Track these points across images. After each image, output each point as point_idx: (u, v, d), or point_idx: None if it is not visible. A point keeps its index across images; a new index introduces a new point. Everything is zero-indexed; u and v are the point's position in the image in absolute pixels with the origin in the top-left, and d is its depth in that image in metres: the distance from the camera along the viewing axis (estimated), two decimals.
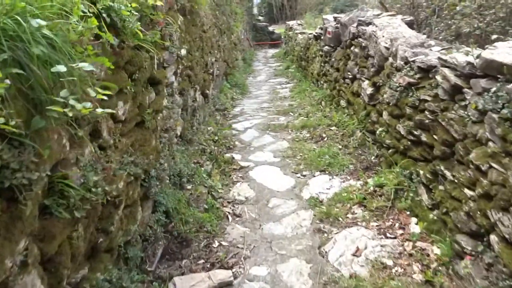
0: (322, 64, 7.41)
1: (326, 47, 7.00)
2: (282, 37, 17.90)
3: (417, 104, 3.41)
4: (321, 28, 7.86)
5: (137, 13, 2.59)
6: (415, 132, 3.40)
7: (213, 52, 6.75)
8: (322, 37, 7.55)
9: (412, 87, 3.52)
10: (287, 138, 5.39)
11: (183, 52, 4.13)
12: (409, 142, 3.53)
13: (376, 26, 4.72)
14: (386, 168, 3.93)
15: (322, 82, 7.50)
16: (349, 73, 5.56)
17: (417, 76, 3.50)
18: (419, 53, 3.71)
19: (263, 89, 9.56)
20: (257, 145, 5.21)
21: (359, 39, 5.20)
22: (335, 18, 7.09)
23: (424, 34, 4.89)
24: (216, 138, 5.01)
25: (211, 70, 6.41)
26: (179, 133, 4.01)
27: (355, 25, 5.53)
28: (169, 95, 3.63)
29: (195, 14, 4.96)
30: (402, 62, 3.77)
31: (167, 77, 3.44)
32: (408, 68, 3.65)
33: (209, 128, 5.26)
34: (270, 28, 22.06)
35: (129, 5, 2.31)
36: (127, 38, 2.34)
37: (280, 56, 15.60)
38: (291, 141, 5.22)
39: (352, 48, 5.52)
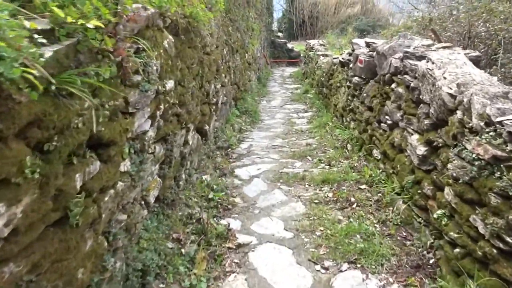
0: (350, 97, 6.18)
1: (356, 78, 5.79)
2: (302, 55, 16.79)
3: (510, 193, 2.20)
4: (350, 54, 6.67)
5: (56, 38, 1.46)
6: (508, 239, 2.18)
7: (219, 77, 5.61)
8: (350, 65, 6.34)
9: (501, 164, 2.31)
10: (304, 196, 4.16)
11: (169, 85, 3.00)
12: (494, 250, 2.29)
13: (433, 63, 3.52)
14: (450, 273, 2.67)
15: (348, 119, 6.24)
16: (387, 117, 4.34)
17: (509, 148, 2.30)
18: (506, 110, 2.52)
19: (277, 118, 8.36)
20: (264, 205, 3.98)
21: (404, 76, 3.99)
22: (367, 44, 5.89)
23: (492, 74, 3.67)
24: (211, 194, 3.81)
25: (215, 100, 5.25)
26: (152, 200, 2.84)
27: (397, 56, 4.34)
28: (138, 151, 2.48)
29: (195, 33, 3.83)
30: (481, 123, 2.55)
31: (131, 130, 2.28)
32: (492, 133, 2.44)
33: (204, 178, 4.08)
34: (289, 45, 20.94)
35: (25, 25, 1.18)
36: (14, 88, 1.20)
37: (298, 77, 14.45)
38: (308, 203, 3.98)
39: (393, 86, 4.31)
